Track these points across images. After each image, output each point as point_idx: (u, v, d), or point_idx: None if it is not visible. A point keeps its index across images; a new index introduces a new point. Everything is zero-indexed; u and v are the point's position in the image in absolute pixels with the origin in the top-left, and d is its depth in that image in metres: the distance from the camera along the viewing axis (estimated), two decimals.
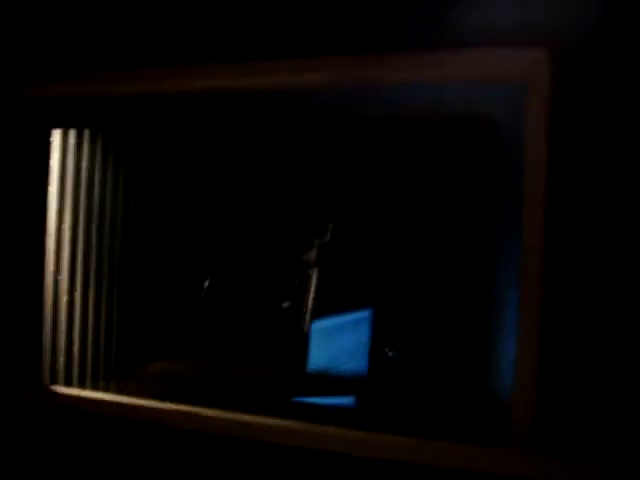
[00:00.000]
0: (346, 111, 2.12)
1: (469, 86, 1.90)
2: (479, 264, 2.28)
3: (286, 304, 2.72)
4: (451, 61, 1.85)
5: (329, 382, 2.51)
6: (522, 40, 1.79)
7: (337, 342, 2.78)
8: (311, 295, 2.57)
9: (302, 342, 2.52)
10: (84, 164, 2.68)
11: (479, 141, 2.29)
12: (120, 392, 2.43)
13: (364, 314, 2.99)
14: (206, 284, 2.86)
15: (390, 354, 2.77)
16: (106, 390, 2.55)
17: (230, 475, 2.06)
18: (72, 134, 2.62)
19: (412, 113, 2.14)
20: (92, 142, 2.69)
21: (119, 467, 2.20)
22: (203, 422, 2.09)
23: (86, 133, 2.66)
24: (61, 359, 2.62)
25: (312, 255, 2.65)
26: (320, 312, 2.63)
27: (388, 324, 2.75)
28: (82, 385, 2.65)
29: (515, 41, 1.79)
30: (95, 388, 2.60)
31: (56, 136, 2.56)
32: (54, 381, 2.58)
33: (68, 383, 2.62)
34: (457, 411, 2.15)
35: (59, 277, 2.60)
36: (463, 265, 2.48)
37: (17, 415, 2.34)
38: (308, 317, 2.54)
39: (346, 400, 2.47)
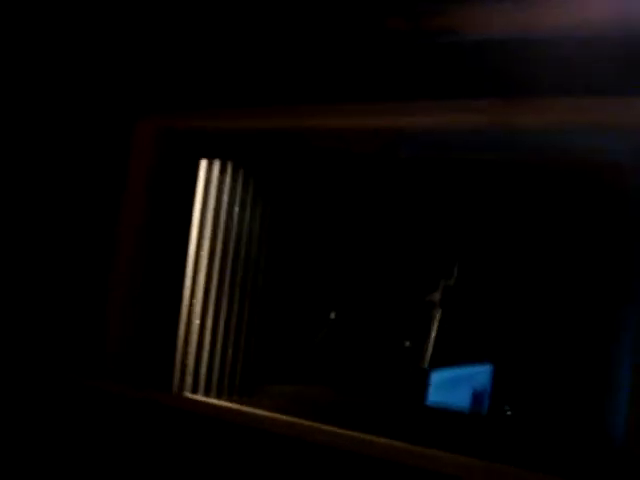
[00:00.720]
0: (478, 153, 2.18)
1: (599, 133, 1.93)
2: (597, 323, 2.27)
3: (408, 343, 2.77)
4: (577, 107, 1.89)
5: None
6: None
7: (456, 393, 2.80)
8: (433, 335, 2.61)
9: (421, 378, 2.56)
10: (225, 196, 2.82)
11: (607, 192, 2.30)
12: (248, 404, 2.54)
13: (483, 368, 3.01)
14: (332, 316, 2.94)
15: (509, 412, 2.77)
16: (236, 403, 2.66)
17: None
18: (216, 167, 2.77)
19: (543, 159, 2.18)
20: (234, 175, 2.84)
21: (236, 472, 2.29)
22: (327, 436, 2.15)
23: (229, 167, 2.81)
24: (189, 378, 2.74)
25: (436, 296, 2.69)
26: (441, 354, 2.66)
27: (507, 380, 2.75)
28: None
29: None
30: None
31: (201, 169, 2.72)
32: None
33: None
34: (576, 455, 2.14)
35: None
36: (581, 322, 2.48)
37: (148, 415, 2.47)
38: (428, 356, 2.58)
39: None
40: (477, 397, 2.96)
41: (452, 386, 2.80)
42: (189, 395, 2.64)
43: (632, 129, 1.86)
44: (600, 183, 2.31)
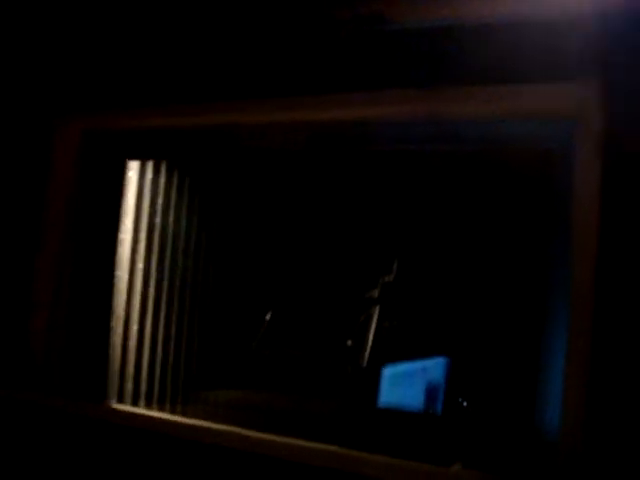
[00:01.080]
0: (408, 145, 2.15)
1: (523, 121, 1.91)
2: (530, 312, 2.25)
3: (349, 342, 2.73)
4: (503, 96, 1.87)
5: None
6: (572, 75, 1.80)
7: (409, 388, 2.78)
8: (372, 332, 2.58)
9: (371, 377, 2.52)
10: (160, 197, 2.78)
11: (534, 177, 2.29)
12: (183, 414, 2.49)
13: (437, 361, 2.99)
14: (267, 317, 2.90)
15: (464, 403, 2.76)
16: (171, 412, 2.61)
17: None
18: (149, 169, 2.73)
19: (470, 149, 2.16)
20: (168, 176, 2.80)
21: None
22: (261, 445, 2.10)
23: (163, 168, 2.76)
24: (129, 385, 2.69)
25: (375, 292, 2.66)
26: (386, 351, 2.63)
27: (460, 372, 2.74)
28: (149, 407, 2.71)
29: (566, 76, 1.81)
30: (161, 410, 2.66)
31: (134, 170, 2.67)
32: (121, 402, 2.66)
33: (135, 405, 2.69)
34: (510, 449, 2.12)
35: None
36: (515, 312, 2.47)
37: (77, 428, 2.41)
38: (367, 353, 2.54)
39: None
40: (431, 391, 2.94)
41: (405, 380, 2.77)
42: (118, 406, 2.58)
43: (561, 116, 1.84)
44: (532, 171, 2.29)
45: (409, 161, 2.57)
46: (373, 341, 2.55)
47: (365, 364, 2.52)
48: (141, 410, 2.61)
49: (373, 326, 2.58)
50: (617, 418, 1.71)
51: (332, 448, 2.03)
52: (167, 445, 2.26)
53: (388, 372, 2.61)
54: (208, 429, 2.23)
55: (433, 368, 2.98)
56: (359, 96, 2.05)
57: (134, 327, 2.73)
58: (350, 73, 2.07)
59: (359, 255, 2.89)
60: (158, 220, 2.79)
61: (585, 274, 1.76)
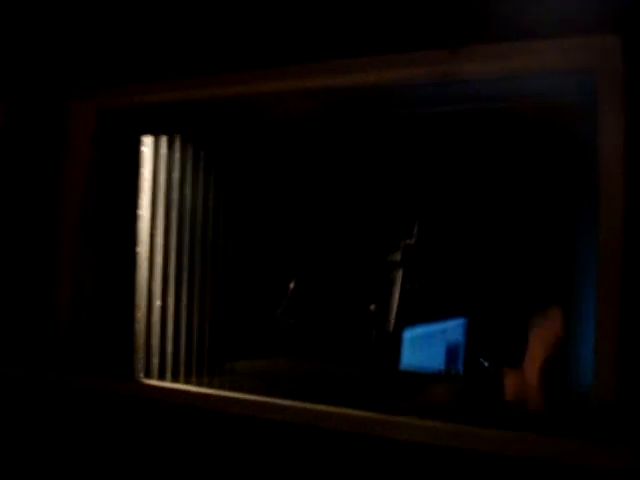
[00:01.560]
0: (425, 107, 2.13)
1: (544, 77, 1.89)
2: (557, 257, 2.24)
3: (372, 307, 2.73)
4: (522, 52, 1.85)
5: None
6: (593, 27, 1.77)
7: (430, 350, 2.78)
8: (396, 296, 2.57)
9: (393, 341, 2.52)
10: (176, 172, 2.77)
11: (556, 134, 2.27)
12: (210, 386, 2.50)
13: (457, 322, 2.99)
14: (291, 285, 2.90)
15: (485, 363, 2.76)
16: (198, 385, 2.62)
17: (320, 465, 2.09)
18: (163, 144, 2.71)
19: (490, 108, 2.15)
20: (183, 150, 2.78)
21: (201, 456, 2.27)
22: (293, 413, 2.13)
23: (177, 142, 2.74)
24: (155, 360, 2.70)
25: (398, 256, 2.65)
26: (408, 314, 2.63)
27: (480, 332, 2.74)
28: (175, 381, 2.72)
29: (587, 29, 1.78)
30: (188, 384, 2.67)
31: (148, 147, 2.66)
32: (148, 377, 2.66)
33: (161, 380, 2.70)
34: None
35: None
36: (541, 260, 2.45)
37: (108, 405, 2.43)
38: (392, 318, 2.54)
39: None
40: (451, 352, 2.96)
41: (426, 343, 2.79)
42: (146, 381, 2.59)
43: (582, 69, 1.83)
44: (551, 126, 2.27)
45: (428, 123, 2.55)
46: (397, 305, 2.55)
47: (391, 328, 2.52)
48: (169, 384, 2.63)
49: (397, 290, 2.57)
50: None
51: (358, 412, 2.05)
52: (195, 416, 2.30)
53: (408, 335, 2.62)
54: (234, 399, 2.27)
55: (453, 329, 2.98)
56: (374, 60, 2.03)
57: (157, 302, 2.72)
58: (364, 37, 2.05)
59: (380, 219, 2.87)
60: (175, 195, 2.78)
61: (613, 228, 1.76)
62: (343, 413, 2.08)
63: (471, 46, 1.89)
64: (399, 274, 2.61)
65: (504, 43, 1.86)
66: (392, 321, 2.53)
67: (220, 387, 2.53)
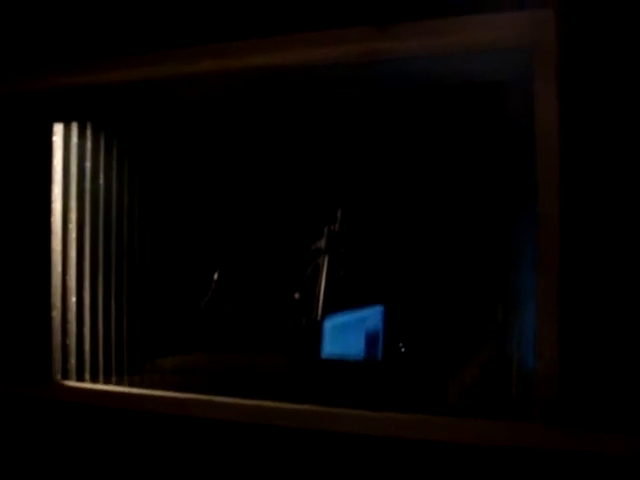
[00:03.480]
0: (352, 87, 2.07)
1: (476, 55, 1.86)
2: (495, 236, 2.23)
3: (297, 295, 2.68)
4: (454, 29, 1.81)
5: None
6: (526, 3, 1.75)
7: (349, 338, 2.75)
8: (322, 283, 2.52)
9: (315, 330, 2.48)
10: (88, 162, 2.65)
11: (489, 112, 2.24)
12: (132, 385, 2.41)
13: (375, 311, 2.97)
14: (215, 276, 2.82)
15: (402, 349, 2.74)
16: (118, 384, 2.53)
17: (248, 462, 2.02)
18: (74, 132, 2.59)
19: (418, 87, 2.11)
20: (95, 138, 2.66)
21: (129, 459, 2.18)
22: (217, 409, 2.06)
23: (88, 130, 2.63)
24: (72, 359, 2.59)
25: (322, 243, 2.60)
26: (333, 301, 2.59)
27: (400, 315, 2.72)
28: (94, 382, 2.61)
29: (520, 4, 1.76)
30: (107, 383, 2.56)
31: (58, 135, 2.53)
32: (66, 379, 2.55)
33: (80, 380, 2.58)
34: (481, 387, 2.12)
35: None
36: (478, 239, 2.45)
37: (27, 410, 2.31)
38: (320, 305, 2.49)
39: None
40: (371, 339, 2.94)
41: (345, 331, 2.75)
42: (64, 383, 2.48)
43: (516, 46, 1.80)
44: (485, 104, 2.25)
45: (353, 104, 2.49)
46: (324, 292, 2.50)
47: (319, 316, 2.47)
48: (86, 384, 2.51)
49: (323, 277, 2.53)
50: (591, 349, 1.70)
51: (283, 405, 2.03)
52: (114, 417, 2.22)
53: (328, 324, 2.59)
54: (151, 397, 2.21)
55: (371, 317, 2.97)
56: (302, 37, 1.96)
57: (72, 299, 2.61)
58: (291, 13, 1.98)
59: (303, 205, 2.81)
60: (88, 186, 2.66)
61: (550, 206, 1.74)
62: (258, 405, 2.04)
63: (400, 23, 1.84)
64: (324, 261, 2.57)
65: (435, 20, 1.82)
66: (319, 308, 2.48)
67: (140, 385, 2.44)
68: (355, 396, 2.09)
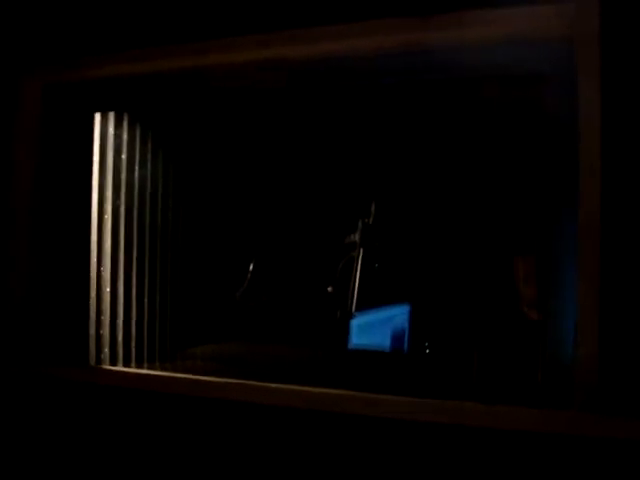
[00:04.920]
0: (394, 78, 2.08)
1: (517, 46, 1.86)
2: (535, 226, 2.23)
3: (330, 288, 2.69)
4: (496, 20, 1.81)
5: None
6: None
7: (375, 337, 2.76)
8: (357, 277, 2.54)
9: (342, 323, 2.49)
10: (123, 153, 2.67)
11: (529, 107, 2.24)
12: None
13: (402, 310, 2.97)
14: (251, 267, 2.83)
15: (428, 350, 2.74)
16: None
17: (276, 444, 2.04)
18: (111, 123, 2.61)
19: (458, 79, 2.11)
20: (130, 129, 2.69)
21: (161, 441, 2.20)
22: (252, 393, 2.07)
23: (125, 121, 2.65)
24: (106, 349, 2.61)
25: (356, 236, 2.61)
26: (367, 294, 2.60)
27: (425, 319, 2.71)
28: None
29: None
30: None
31: (95, 126, 2.55)
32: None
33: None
34: (519, 376, 2.11)
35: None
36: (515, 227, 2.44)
37: (63, 392, 2.33)
38: (354, 299, 2.50)
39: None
40: (397, 339, 2.93)
41: (372, 330, 2.75)
42: (104, 367, 2.51)
43: (556, 38, 1.79)
44: (525, 99, 2.25)
45: (389, 96, 2.50)
46: (359, 285, 2.52)
47: (353, 308, 2.48)
48: (121, 368, 2.57)
49: (358, 270, 2.54)
50: (632, 342, 1.70)
51: (312, 389, 2.03)
52: (144, 399, 2.24)
53: (355, 322, 2.59)
54: (183, 380, 2.23)
55: (398, 316, 2.97)
56: (342, 28, 1.96)
57: (107, 290, 2.63)
58: (330, 3, 1.98)
59: (339, 198, 2.81)
60: (124, 177, 2.68)
61: (592, 201, 1.74)
62: (294, 390, 2.05)
63: (444, 14, 1.84)
64: (359, 254, 2.58)
65: (477, 10, 1.81)
66: (354, 301, 2.50)
67: (171, 371, 2.47)
68: (383, 385, 2.11)
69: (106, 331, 2.63)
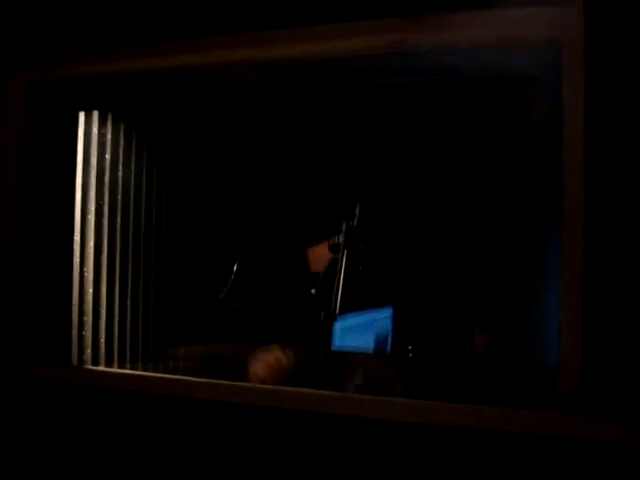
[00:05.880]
0: (382, 79, 2.08)
1: (503, 49, 1.87)
2: (517, 228, 2.23)
3: (313, 290, 2.69)
4: (484, 22, 1.82)
5: None
6: None
7: (358, 340, 2.76)
8: (341, 278, 2.53)
9: (326, 324, 2.49)
10: (108, 151, 2.66)
11: (515, 108, 2.24)
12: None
13: (385, 313, 2.97)
14: (234, 268, 2.82)
15: (411, 353, 2.74)
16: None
17: (263, 445, 2.03)
18: (95, 122, 2.60)
19: (440, 82, 2.12)
20: (115, 128, 2.68)
21: (144, 442, 2.19)
22: (235, 393, 2.06)
23: (109, 120, 2.64)
24: (88, 350, 2.60)
25: (340, 238, 2.61)
26: (350, 297, 2.59)
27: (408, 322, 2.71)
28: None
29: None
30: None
31: (80, 123, 2.54)
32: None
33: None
34: (501, 376, 2.12)
35: None
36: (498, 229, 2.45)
37: (44, 392, 2.32)
38: (338, 300, 2.50)
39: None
40: (380, 342, 2.93)
41: (355, 333, 2.75)
42: (86, 367, 2.51)
43: (542, 41, 1.81)
44: (511, 101, 2.25)
45: (374, 98, 2.50)
46: (343, 287, 2.51)
47: (337, 310, 2.48)
48: (102, 368, 2.57)
49: (342, 272, 2.53)
50: (616, 338, 1.71)
51: (298, 390, 2.05)
52: (127, 399, 2.22)
53: (338, 326, 2.59)
54: (165, 380, 2.23)
55: (381, 320, 2.97)
56: (332, 28, 1.96)
57: (89, 291, 2.62)
58: (321, 3, 1.98)
59: (324, 199, 2.81)
60: (108, 177, 2.68)
61: (575, 212, 1.75)
62: (275, 390, 2.07)
63: (434, 14, 1.85)
64: (343, 256, 2.57)
65: (468, 11, 1.82)
66: (337, 303, 2.49)
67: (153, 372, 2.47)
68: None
69: (89, 332, 2.61)
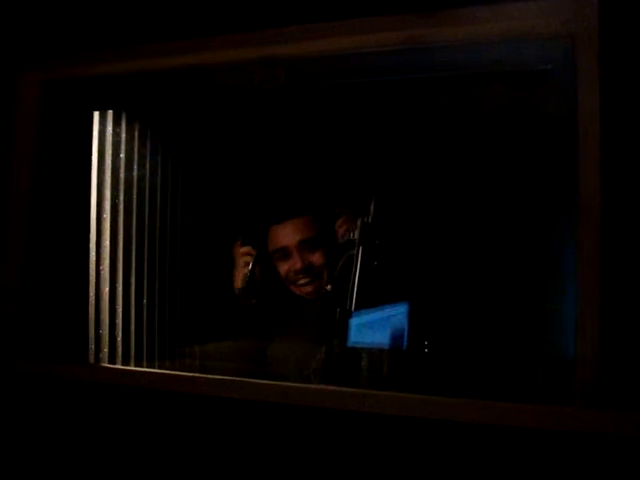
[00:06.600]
0: (393, 75, 2.07)
1: (513, 43, 1.86)
2: (534, 222, 2.22)
3: (329, 287, 2.69)
4: (496, 16, 1.81)
5: None
6: None
7: (374, 337, 2.76)
8: (357, 274, 2.53)
9: (341, 321, 2.49)
10: (122, 151, 2.67)
11: (529, 102, 2.23)
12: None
13: (401, 309, 2.96)
14: (250, 266, 2.81)
15: (427, 349, 2.73)
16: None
17: (276, 441, 2.04)
18: (109, 121, 2.61)
19: (455, 77, 2.11)
20: (129, 127, 2.69)
21: (160, 439, 2.19)
22: (252, 391, 2.05)
23: (123, 119, 2.65)
24: (105, 349, 2.61)
25: (355, 234, 2.60)
26: (366, 293, 2.59)
27: (425, 318, 2.71)
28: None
29: None
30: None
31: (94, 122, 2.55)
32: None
33: None
34: (519, 372, 2.11)
35: None
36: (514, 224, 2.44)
37: (62, 390, 2.33)
38: (354, 297, 2.49)
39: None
40: (396, 339, 2.93)
41: (371, 329, 2.75)
42: (103, 364, 2.52)
43: (556, 35, 1.79)
44: (526, 95, 2.24)
45: (389, 93, 2.49)
46: (358, 283, 2.51)
47: (353, 307, 2.48)
48: (119, 366, 2.59)
49: (358, 268, 2.53)
50: (634, 338, 1.70)
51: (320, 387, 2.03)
52: (144, 397, 2.23)
53: (354, 322, 2.59)
54: (183, 378, 2.19)
55: (397, 316, 2.96)
56: (343, 24, 1.95)
57: (105, 289, 2.64)
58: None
59: (335, 196, 2.81)
60: (122, 175, 2.69)
61: (591, 195, 1.74)
62: (299, 387, 2.03)
63: (448, 9, 1.84)
64: (359, 252, 2.57)
65: (480, 6, 1.81)
66: (353, 300, 2.49)
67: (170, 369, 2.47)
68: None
69: (105, 330, 2.63)
